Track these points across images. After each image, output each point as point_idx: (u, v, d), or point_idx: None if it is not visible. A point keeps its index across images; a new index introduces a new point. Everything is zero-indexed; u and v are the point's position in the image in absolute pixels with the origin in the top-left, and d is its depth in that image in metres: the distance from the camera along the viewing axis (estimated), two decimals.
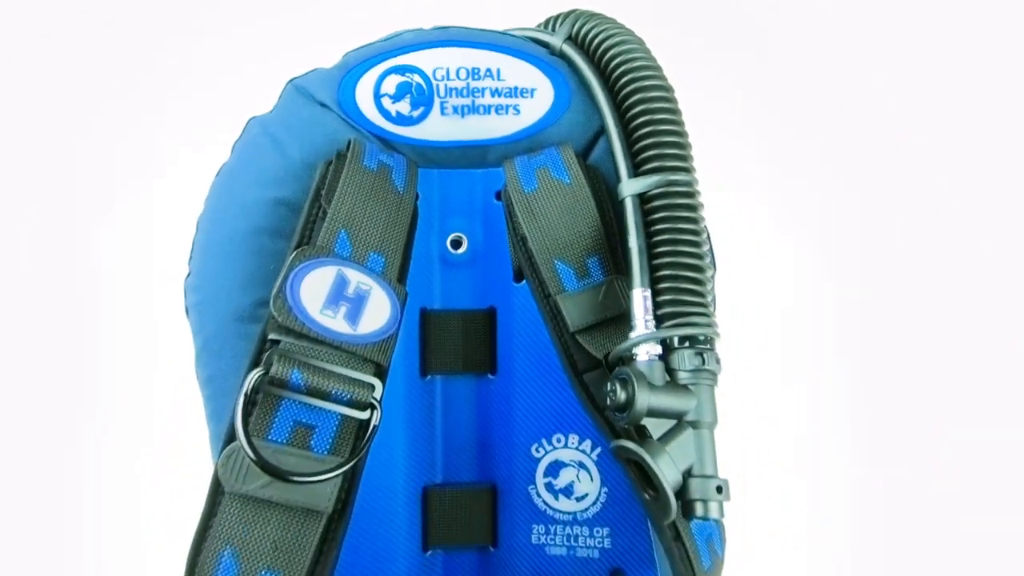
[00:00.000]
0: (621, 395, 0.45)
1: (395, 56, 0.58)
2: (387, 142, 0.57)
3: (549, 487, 0.58)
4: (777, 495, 0.91)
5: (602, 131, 0.56)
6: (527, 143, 0.58)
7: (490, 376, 0.59)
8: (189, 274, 0.58)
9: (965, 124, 0.93)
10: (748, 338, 0.92)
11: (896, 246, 0.94)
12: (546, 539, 0.58)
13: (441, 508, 0.58)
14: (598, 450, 0.58)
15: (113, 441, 0.85)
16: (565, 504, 0.58)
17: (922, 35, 0.93)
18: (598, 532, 0.58)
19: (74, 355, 0.84)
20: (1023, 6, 0.92)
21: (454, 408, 0.59)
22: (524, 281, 0.57)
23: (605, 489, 0.58)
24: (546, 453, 0.58)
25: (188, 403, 0.76)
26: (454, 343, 0.58)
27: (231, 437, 0.43)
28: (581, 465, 0.58)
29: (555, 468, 0.58)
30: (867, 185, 0.94)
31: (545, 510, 0.58)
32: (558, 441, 0.58)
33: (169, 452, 0.84)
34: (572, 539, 0.58)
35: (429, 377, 0.58)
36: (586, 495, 0.58)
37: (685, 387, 0.47)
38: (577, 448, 0.58)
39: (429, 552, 0.59)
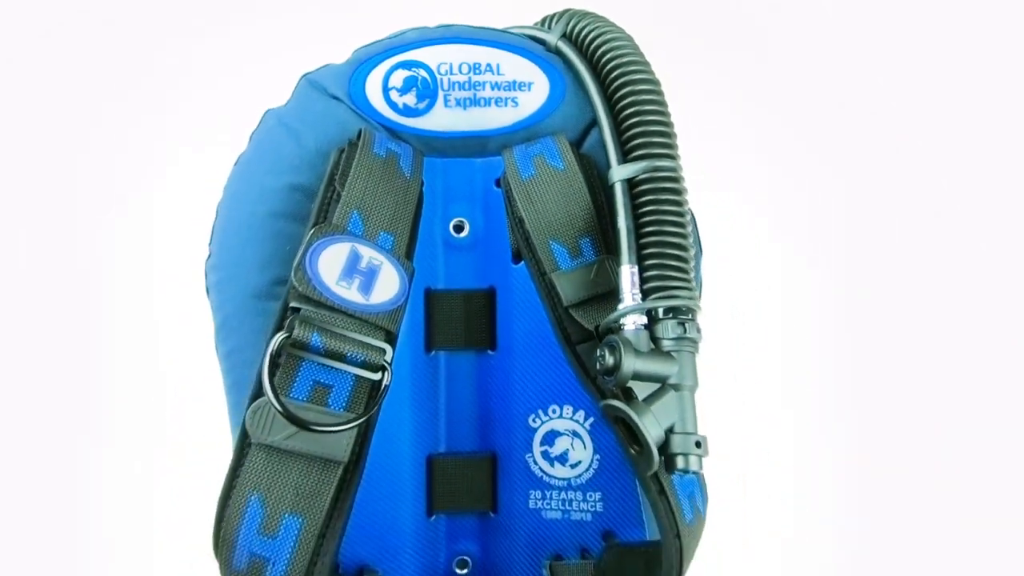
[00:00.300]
0: (609, 360, 0.50)
1: (402, 52, 0.62)
2: (394, 132, 0.62)
3: (545, 455, 0.63)
4: (777, 494, 0.95)
5: (594, 122, 0.61)
6: (525, 133, 0.62)
7: (490, 352, 0.63)
8: (209, 256, 0.62)
9: (959, 123, 0.95)
10: (747, 337, 0.96)
11: (891, 246, 0.97)
12: (542, 504, 0.62)
13: (444, 475, 0.62)
14: (591, 420, 0.62)
15: (121, 431, 0.89)
16: (560, 471, 0.63)
17: (913, 38, 0.96)
18: (591, 496, 0.62)
19: (79, 351, 0.87)
20: (1014, 10, 0.95)
21: (456, 382, 0.63)
22: (522, 262, 0.61)
23: (597, 456, 0.62)
24: (542, 423, 0.62)
25: (186, 398, 0.82)
26: (456, 321, 0.62)
27: (257, 394, 0.48)
28: (575, 434, 0.63)
29: (551, 437, 0.62)
30: (862, 185, 0.96)
31: (541, 476, 0.63)
32: (553, 412, 0.63)
33: (175, 444, 0.88)
34: (567, 503, 0.62)
35: (433, 353, 0.63)
36: (580, 462, 0.63)
37: (668, 354, 0.51)
38: (571, 418, 0.62)
39: (433, 517, 0.62)
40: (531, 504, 0.62)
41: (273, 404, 0.45)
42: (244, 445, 0.47)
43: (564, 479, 0.62)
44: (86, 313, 0.87)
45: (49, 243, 0.86)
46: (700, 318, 0.53)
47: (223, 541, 0.46)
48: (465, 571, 0.63)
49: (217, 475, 0.51)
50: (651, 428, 0.47)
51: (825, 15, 0.91)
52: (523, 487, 0.62)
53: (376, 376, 0.50)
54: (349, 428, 0.48)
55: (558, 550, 0.62)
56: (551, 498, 0.62)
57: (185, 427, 0.87)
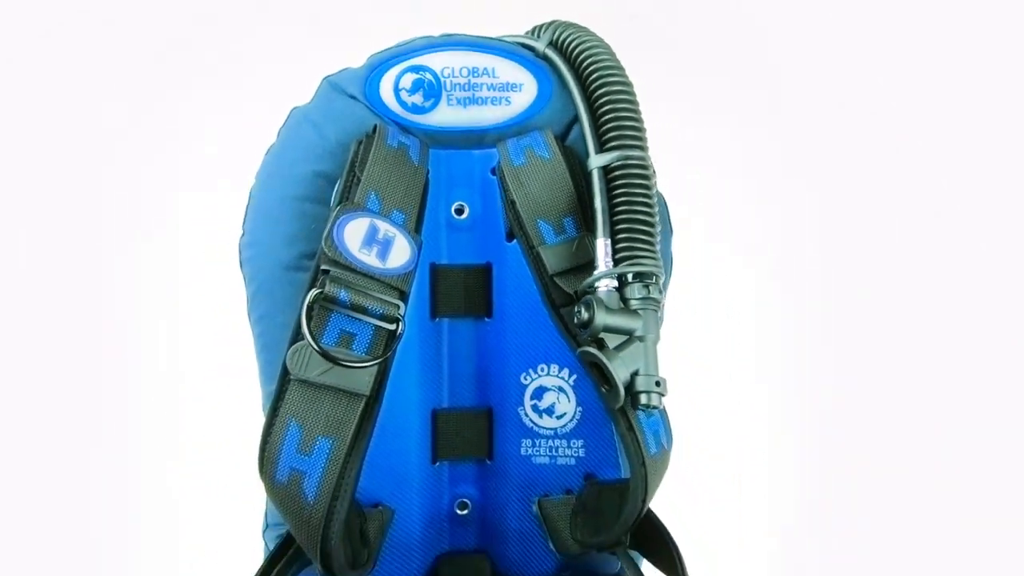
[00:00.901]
0: (585, 315, 0.61)
1: (410, 58, 0.70)
2: (404, 127, 0.70)
3: (535, 408, 0.72)
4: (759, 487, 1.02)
5: (576, 118, 0.70)
6: (516, 128, 0.70)
7: (487, 319, 0.71)
8: (243, 234, 0.72)
9: (930, 124, 1.02)
10: (730, 336, 1.04)
11: (866, 241, 1.03)
12: (532, 451, 0.71)
13: (447, 427, 0.71)
14: (574, 377, 0.71)
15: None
16: (548, 422, 0.72)
17: (882, 41, 1.02)
18: (574, 444, 0.71)
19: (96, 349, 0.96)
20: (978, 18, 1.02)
21: (458, 345, 0.71)
22: (514, 240, 0.70)
23: (580, 409, 0.71)
24: (532, 380, 0.71)
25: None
26: (458, 292, 0.70)
27: (295, 340, 0.59)
28: (560, 389, 0.72)
29: (539, 392, 0.71)
30: (834, 185, 1.02)
31: (532, 427, 0.71)
32: (542, 370, 0.71)
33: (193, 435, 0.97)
34: (553, 450, 0.71)
35: (437, 320, 0.71)
36: (565, 414, 0.72)
37: (635, 311, 0.62)
38: (557, 375, 0.71)
39: (437, 463, 0.71)
40: (523, 451, 0.71)
41: (311, 344, 0.56)
42: (285, 381, 0.58)
43: (551, 429, 0.71)
44: (113, 301, 0.95)
45: (87, 233, 0.96)
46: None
47: (267, 460, 0.57)
48: (465, 512, 0.72)
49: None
50: (619, 370, 0.58)
51: (792, 29, 0.98)
52: (515, 437, 0.70)
53: (392, 327, 0.61)
54: (371, 366, 0.58)
55: (546, 490, 0.70)
56: (540, 446, 0.71)
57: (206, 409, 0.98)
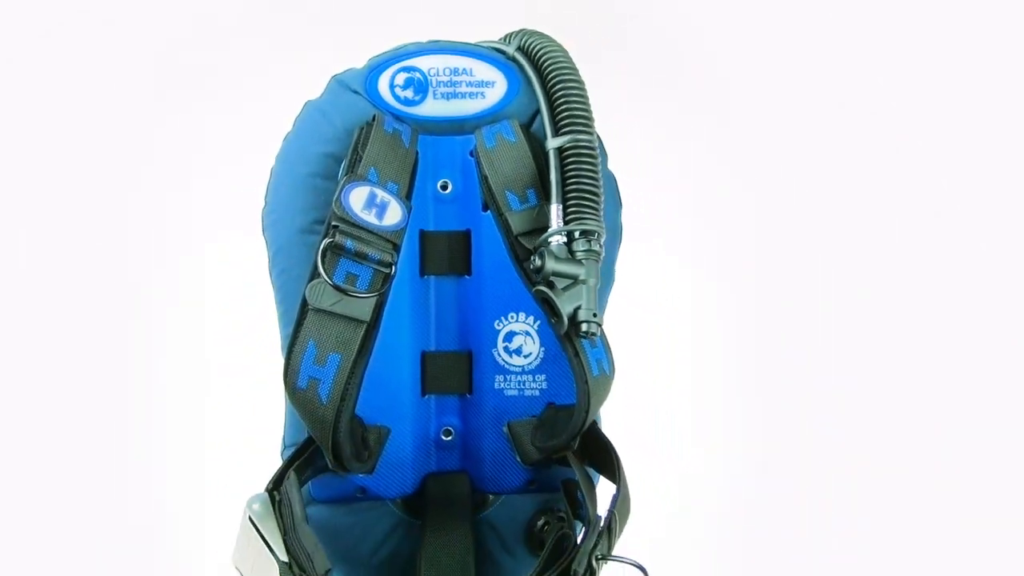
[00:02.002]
0: (538, 262, 0.79)
1: (403, 60, 0.84)
2: (398, 116, 0.83)
3: (506, 349, 0.87)
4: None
5: (538, 111, 0.88)
6: (490, 118, 0.84)
7: (466, 276, 0.84)
8: (265, 205, 0.89)
9: (866, 130, 1.15)
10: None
11: (800, 237, 1.17)
12: (504, 385, 0.86)
13: (434, 367, 0.85)
14: (538, 323, 0.86)
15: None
16: (517, 360, 0.88)
17: (819, 54, 1.16)
18: (538, 378, 0.86)
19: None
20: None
21: (442, 298, 0.85)
22: (488, 211, 0.85)
23: (543, 349, 0.86)
24: (504, 326, 0.87)
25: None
26: (442, 254, 0.84)
27: (312, 278, 0.78)
28: (527, 333, 0.88)
29: (510, 336, 0.87)
30: (768, 194, 1.16)
31: (504, 365, 0.86)
32: (512, 318, 0.87)
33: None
34: (521, 384, 0.86)
35: (425, 277, 0.84)
36: (530, 354, 0.87)
37: (579, 261, 0.78)
38: (524, 322, 0.87)
39: (426, 396, 0.85)
40: (496, 386, 0.85)
41: (325, 280, 0.75)
42: (304, 310, 0.76)
43: (519, 367, 0.87)
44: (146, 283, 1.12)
45: (118, 218, 1.12)
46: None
47: (290, 371, 0.75)
48: (449, 438, 0.86)
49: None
50: (564, 304, 0.76)
51: (729, 33, 1.13)
52: (490, 374, 0.85)
53: (387, 270, 0.78)
54: (370, 298, 0.77)
55: (515, 417, 0.86)
56: (511, 381, 0.86)
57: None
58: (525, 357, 0.86)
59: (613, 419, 0.86)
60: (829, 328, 1.15)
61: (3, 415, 1.06)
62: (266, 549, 0.64)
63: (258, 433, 0.86)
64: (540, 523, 0.85)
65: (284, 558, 0.63)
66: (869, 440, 1.15)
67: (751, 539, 1.13)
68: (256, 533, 0.64)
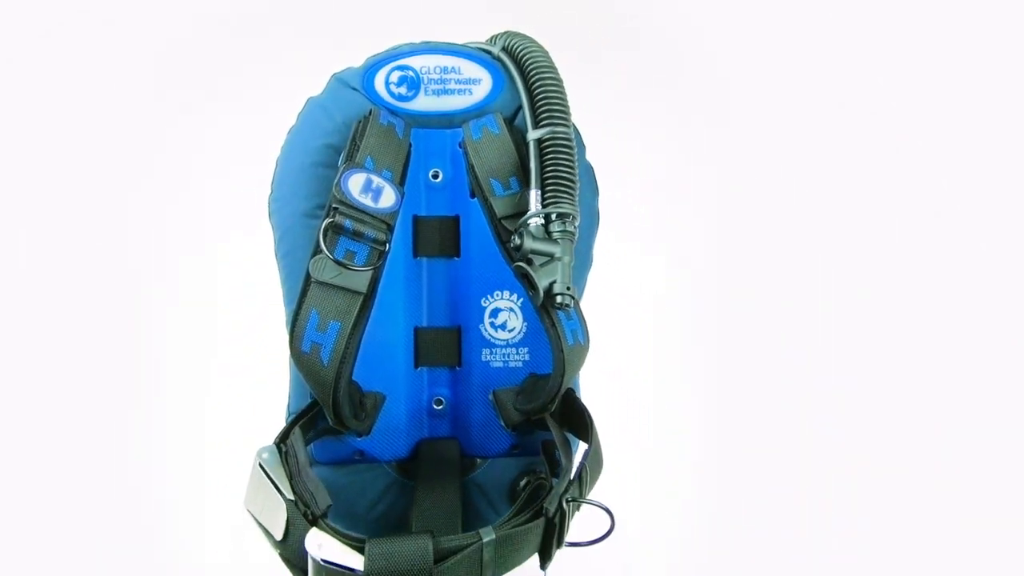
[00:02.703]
0: (517, 241, 0.89)
1: (397, 59, 0.92)
2: (392, 111, 0.91)
3: (492, 325, 0.96)
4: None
5: (521, 106, 0.95)
6: (476, 112, 0.92)
7: (456, 258, 0.92)
8: (271, 192, 0.98)
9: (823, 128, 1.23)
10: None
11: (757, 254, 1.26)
12: (490, 358, 0.94)
13: (426, 341, 0.94)
14: (521, 300, 0.94)
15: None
16: (502, 335, 0.97)
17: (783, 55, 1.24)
18: (521, 351, 0.95)
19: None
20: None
21: (434, 278, 0.93)
22: (475, 197, 0.95)
23: (526, 324, 0.95)
24: (490, 303, 0.95)
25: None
26: (434, 237, 0.92)
27: (315, 252, 0.88)
28: (511, 310, 0.96)
29: (495, 312, 0.96)
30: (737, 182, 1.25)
31: (490, 339, 0.95)
32: (497, 296, 0.95)
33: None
34: (506, 356, 0.95)
35: (418, 258, 0.92)
36: (514, 328, 0.96)
37: (555, 240, 0.88)
38: (508, 299, 0.95)
39: (419, 368, 0.94)
40: (483, 359, 0.93)
41: (327, 255, 0.85)
42: (308, 283, 0.85)
43: (504, 340, 0.95)
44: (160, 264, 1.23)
45: (135, 203, 1.23)
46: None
47: (295, 337, 0.83)
48: (440, 407, 0.94)
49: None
50: (540, 278, 0.86)
51: (707, 30, 1.22)
52: (478, 348, 0.93)
53: (382, 247, 0.87)
54: (367, 271, 0.85)
55: (500, 386, 0.96)
56: (496, 354, 0.94)
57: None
58: (509, 332, 0.95)
59: (592, 393, 0.96)
60: (799, 311, 1.25)
61: (10, 407, 1.16)
62: (275, 491, 0.74)
63: (257, 432, 0.93)
64: (523, 483, 0.94)
65: (291, 496, 0.74)
66: (841, 419, 1.24)
67: (719, 521, 1.23)
68: (266, 478, 0.75)
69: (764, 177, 1.21)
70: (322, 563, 0.67)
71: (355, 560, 0.66)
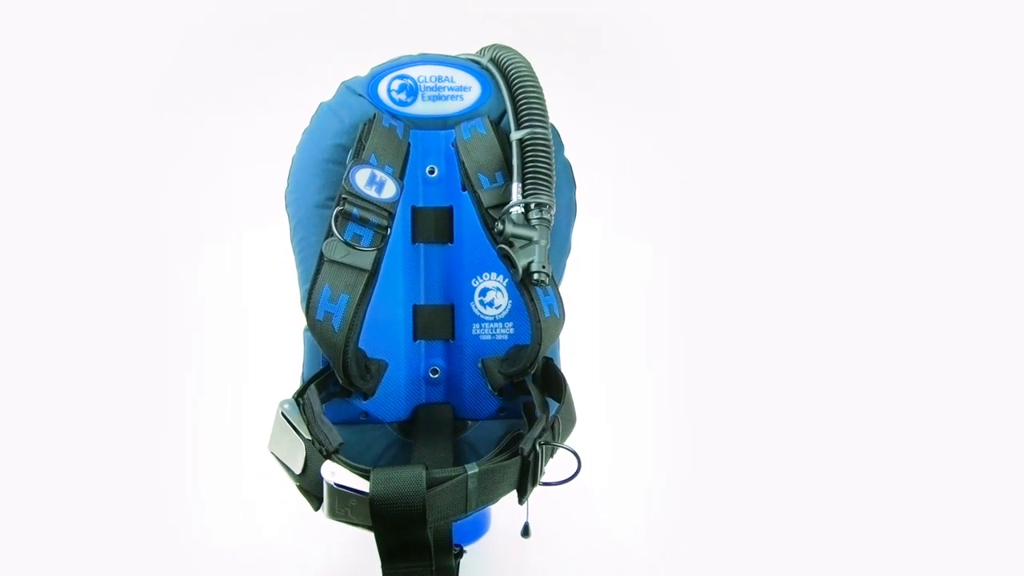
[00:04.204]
0: (500, 226, 1.06)
1: (398, 69, 1.07)
2: (394, 115, 1.07)
3: (481, 303, 1.10)
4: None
5: (505, 110, 1.15)
6: (467, 116, 1.07)
7: (449, 244, 1.07)
8: (288, 185, 1.14)
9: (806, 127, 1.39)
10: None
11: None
12: (480, 332, 1.08)
13: (423, 317, 1.08)
14: (506, 280, 1.08)
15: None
16: (490, 311, 1.11)
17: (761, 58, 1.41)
18: (506, 326, 1.09)
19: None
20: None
21: (430, 261, 1.07)
22: (466, 190, 1.11)
23: (510, 302, 1.09)
24: (479, 283, 1.08)
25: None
26: (430, 225, 1.07)
27: (328, 235, 1.07)
28: (498, 289, 1.10)
29: (484, 291, 1.09)
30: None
31: (479, 315, 1.09)
32: (486, 276, 1.08)
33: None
34: (493, 331, 1.09)
35: (416, 244, 1.07)
36: (500, 306, 1.11)
37: (534, 226, 1.05)
38: (495, 280, 1.09)
39: (417, 341, 1.10)
40: (473, 332, 1.08)
41: (338, 237, 1.04)
42: (321, 261, 1.02)
43: (492, 316, 1.10)
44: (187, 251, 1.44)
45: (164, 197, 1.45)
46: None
47: (311, 307, 1.00)
48: (436, 376, 1.10)
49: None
50: (520, 259, 1.03)
51: (684, 34, 1.40)
52: (469, 323, 1.08)
53: (384, 232, 1.03)
54: (371, 252, 1.01)
55: (488, 356, 1.14)
56: (485, 328, 1.08)
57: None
58: (496, 308, 1.11)
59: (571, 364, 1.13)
60: (763, 284, 1.41)
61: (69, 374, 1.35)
62: (295, 434, 0.93)
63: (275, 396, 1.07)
64: (507, 441, 1.14)
65: (308, 437, 0.94)
66: (803, 381, 1.39)
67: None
68: (288, 424, 0.94)
69: (727, 166, 1.38)
70: (335, 487, 0.86)
71: (362, 484, 0.85)
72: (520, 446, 0.92)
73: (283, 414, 0.90)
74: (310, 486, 0.89)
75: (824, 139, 1.41)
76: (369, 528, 0.85)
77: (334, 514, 0.85)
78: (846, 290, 1.36)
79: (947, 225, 1.37)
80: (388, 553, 0.84)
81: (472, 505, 0.86)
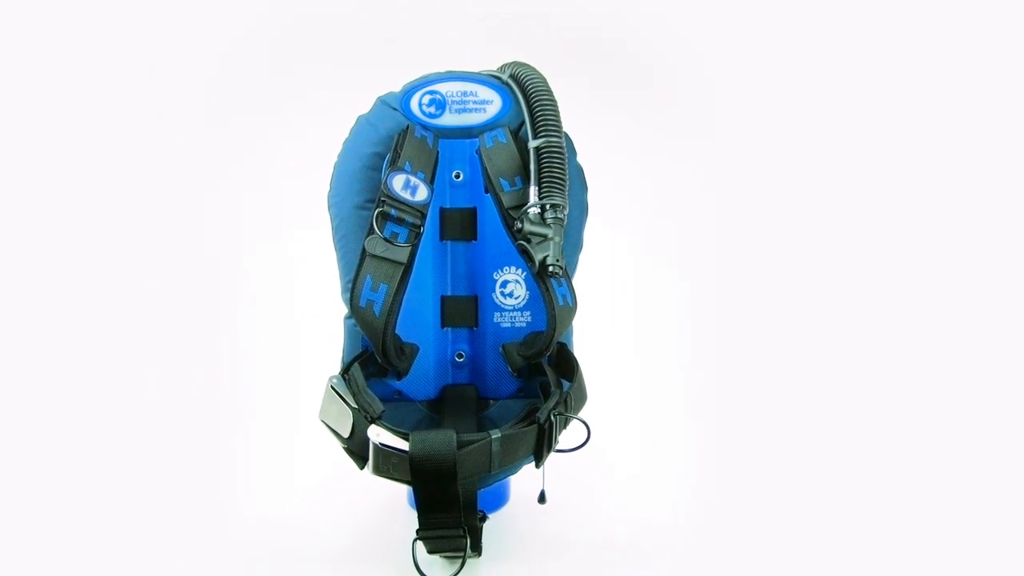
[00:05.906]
0: (519, 225, 1.22)
1: (428, 85, 1.20)
2: (424, 126, 1.19)
3: (502, 293, 1.24)
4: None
5: (524, 121, 1.24)
6: (490, 126, 1.19)
7: (474, 241, 1.20)
8: (330, 189, 1.28)
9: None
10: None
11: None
12: (501, 320, 1.22)
13: (450, 307, 1.22)
14: (525, 273, 1.22)
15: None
16: (509, 301, 1.26)
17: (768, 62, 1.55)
18: (524, 314, 1.23)
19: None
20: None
21: (456, 257, 1.20)
22: (488, 193, 1.21)
23: (528, 293, 1.22)
24: (500, 276, 1.21)
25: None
26: (456, 224, 1.20)
27: (369, 233, 1.27)
28: (517, 281, 1.25)
29: (505, 283, 1.23)
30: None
31: (500, 305, 1.23)
32: (506, 270, 1.23)
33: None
34: (513, 319, 1.22)
35: (444, 242, 1.20)
36: (519, 296, 1.25)
37: (549, 224, 1.20)
38: (515, 273, 1.23)
39: (444, 329, 1.22)
40: (495, 320, 1.21)
41: (378, 235, 1.22)
42: (363, 256, 1.19)
43: (511, 306, 1.25)
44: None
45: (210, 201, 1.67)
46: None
47: (355, 295, 1.16)
48: (461, 360, 1.24)
49: None
50: (537, 253, 1.18)
51: (682, 40, 1.56)
52: (491, 312, 1.21)
53: (418, 230, 1.18)
54: (407, 247, 1.17)
55: (508, 341, 1.30)
56: (505, 317, 1.22)
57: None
58: (516, 299, 1.27)
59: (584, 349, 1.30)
60: (764, 276, 1.57)
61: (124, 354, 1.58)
62: (343, 403, 1.11)
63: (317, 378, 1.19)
64: (524, 413, 1.33)
65: (355, 405, 1.13)
66: (798, 365, 1.53)
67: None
68: (336, 395, 1.14)
69: (726, 165, 1.53)
70: (380, 446, 1.07)
71: (403, 444, 1.06)
72: (536, 415, 1.09)
73: (332, 387, 1.11)
74: (357, 447, 1.07)
75: (824, 139, 1.55)
76: (408, 482, 1.03)
77: (378, 470, 1.04)
78: (878, 274, 1.48)
79: (988, 247, 1.48)
80: (424, 504, 1.03)
81: (495, 465, 1.04)
